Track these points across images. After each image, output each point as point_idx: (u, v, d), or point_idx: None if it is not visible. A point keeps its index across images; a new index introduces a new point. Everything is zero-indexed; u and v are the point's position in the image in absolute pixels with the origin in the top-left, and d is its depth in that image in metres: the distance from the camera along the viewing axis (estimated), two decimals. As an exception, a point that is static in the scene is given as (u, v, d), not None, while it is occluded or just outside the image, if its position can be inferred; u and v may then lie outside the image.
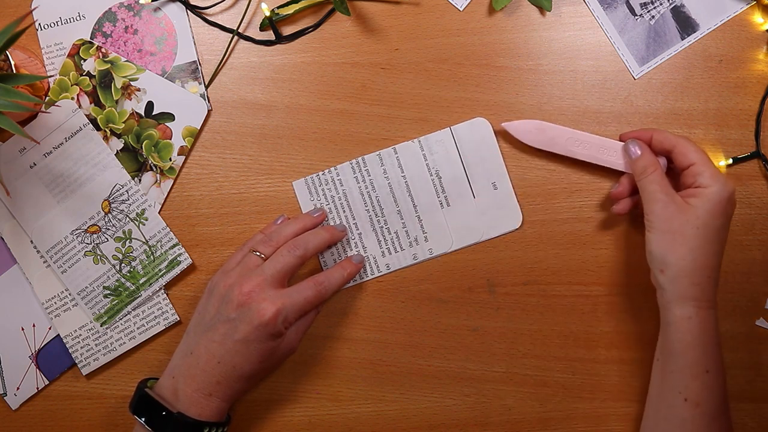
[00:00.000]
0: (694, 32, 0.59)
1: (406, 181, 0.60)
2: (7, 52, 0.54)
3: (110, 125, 0.60)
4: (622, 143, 0.58)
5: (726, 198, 0.52)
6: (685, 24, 0.59)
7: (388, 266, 0.61)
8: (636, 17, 0.59)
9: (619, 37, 0.59)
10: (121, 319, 0.60)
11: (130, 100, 0.60)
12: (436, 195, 0.60)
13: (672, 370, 0.52)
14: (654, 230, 0.53)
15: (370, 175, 0.60)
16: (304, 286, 0.55)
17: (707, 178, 0.52)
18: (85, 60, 0.60)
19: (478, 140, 0.60)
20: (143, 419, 0.52)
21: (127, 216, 0.60)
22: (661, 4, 0.58)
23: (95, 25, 0.61)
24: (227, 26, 0.61)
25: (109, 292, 0.60)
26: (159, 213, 0.61)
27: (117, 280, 0.60)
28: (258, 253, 0.56)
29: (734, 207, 0.53)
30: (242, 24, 0.61)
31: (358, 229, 0.61)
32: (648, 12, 0.58)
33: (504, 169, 0.60)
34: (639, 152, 0.56)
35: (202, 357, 0.53)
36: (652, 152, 0.56)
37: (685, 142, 0.54)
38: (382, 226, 0.60)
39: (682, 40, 0.59)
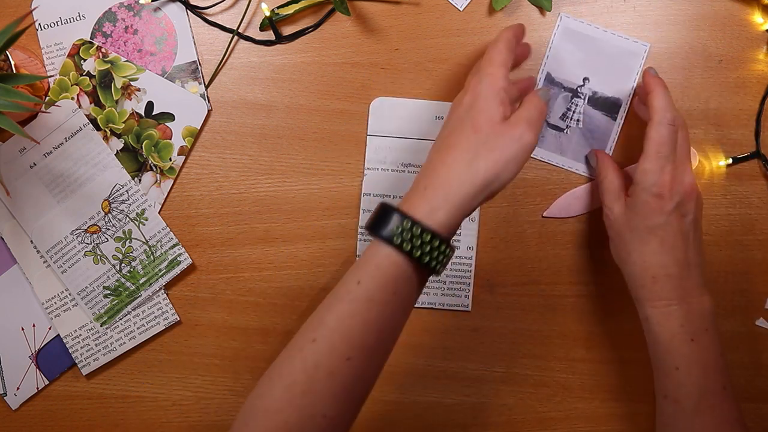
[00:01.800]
0: (620, 108, 0.59)
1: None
2: (7, 52, 0.54)
3: (110, 125, 0.60)
4: None
5: (653, 195, 0.49)
6: (608, 106, 0.59)
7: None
8: (564, 131, 0.59)
9: (564, 158, 0.59)
10: (121, 319, 0.60)
11: (130, 100, 0.60)
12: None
13: (653, 367, 0.52)
14: (609, 234, 0.54)
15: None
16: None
17: (638, 174, 0.50)
18: (85, 60, 0.60)
19: None
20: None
21: (127, 216, 0.60)
22: (576, 105, 0.58)
23: (95, 25, 0.60)
24: (227, 26, 0.61)
25: (109, 292, 0.60)
26: (159, 213, 0.61)
27: (117, 280, 0.60)
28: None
29: (672, 200, 0.50)
30: (242, 24, 0.61)
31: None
32: (570, 119, 0.58)
33: None
34: (595, 162, 0.57)
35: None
36: (609, 159, 0.56)
37: (652, 131, 0.50)
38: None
39: (615, 120, 0.59)
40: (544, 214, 0.60)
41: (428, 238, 0.44)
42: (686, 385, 0.49)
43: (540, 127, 0.48)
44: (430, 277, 0.47)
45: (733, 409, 0.50)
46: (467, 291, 0.61)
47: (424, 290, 0.61)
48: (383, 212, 0.45)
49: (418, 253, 0.44)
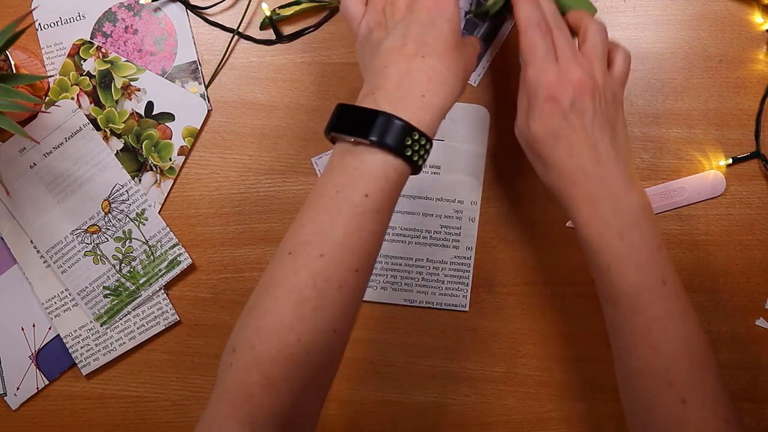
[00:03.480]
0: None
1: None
2: (7, 52, 0.54)
3: (110, 125, 0.60)
4: (685, 179, 0.59)
5: (544, 101, 0.48)
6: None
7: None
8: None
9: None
10: (121, 319, 0.60)
11: (130, 100, 0.60)
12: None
13: (591, 273, 0.50)
14: (527, 155, 0.53)
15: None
16: None
17: (523, 83, 0.50)
18: (85, 60, 0.60)
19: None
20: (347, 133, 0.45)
21: (127, 216, 0.60)
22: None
23: (95, 25, 0.60)
24: (227, 26, 0.61)
25: (109, 292, 0.60)
26: (159, 213, 0.61)
27: (117, 280, 0.60)
28: None
29: (567, 100, 0.47)
30: (242, 24, 0.61)
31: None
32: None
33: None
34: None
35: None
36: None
37: (519, 25, 0.50)
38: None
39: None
40: (568, 225, 0.60)
41: (429, 145, 0.45)
42: (620, 284, 0.47)
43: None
44: (430, 277, 0.47)
45: (677, 303, 0.47)
46: (465, 291, 0.61)
47: (423, 289, 0.61)
48: (385, 120, 0.44)
49: (421, 161, 0.45)
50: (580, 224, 0.48)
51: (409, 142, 0.44)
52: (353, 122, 0.45)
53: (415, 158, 0.44)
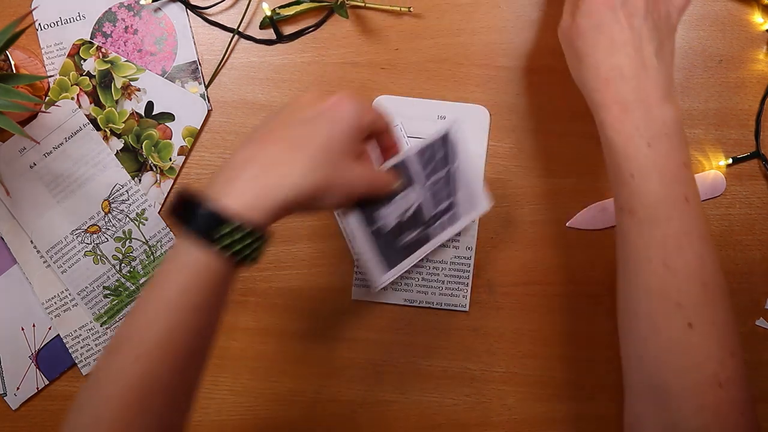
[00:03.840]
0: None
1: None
2: (7, 52, 0.54)
3: (110, 125, 0.60)
4: None
5: None
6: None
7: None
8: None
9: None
10: (121, 319, 0.60)
11: (130, 100, 0.60)
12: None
13: (610, 180, 0.48)
14: (564, 51, 0.51)
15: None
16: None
17: None
18: (85, 60, 0.60)
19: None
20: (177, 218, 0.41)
21: (127, 216, 0.60)
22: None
23: (95, 25, 0.60)
24: (227, 26, 0.61)
25: (109, 292, 0.60)
26: (159, 213, 0.61)
27: (117, 280, 0.60)
28: None
29: None
30: (242, 24, 0.61)
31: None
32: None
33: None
34: None
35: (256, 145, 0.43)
36: None
37: None
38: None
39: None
40: (568, 224, 0.60)
41: (255, 241, 0.40)
42: (642, 193, 0.45)
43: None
44: (430, 277, 0.46)
45: (697, 224, 0.45)
46: (465, 291, 0.61)
47: (423, 289, 0.61)
48: (192, 205, 0.40)
49: (247, 259, 0.41)
50: (607, 125, 0.46)
51: (226, 232, 0.39)
52: (177, 205, 0.41)
53: (234, 253, 0.39)
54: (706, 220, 0.46)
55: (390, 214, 0.52)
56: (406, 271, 0.61)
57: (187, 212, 0.40)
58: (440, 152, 0.53)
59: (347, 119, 0.43)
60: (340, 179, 0.43)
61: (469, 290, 0.61)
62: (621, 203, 0.46)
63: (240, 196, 0.40)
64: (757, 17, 0.59)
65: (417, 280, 0.61)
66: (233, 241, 0.39)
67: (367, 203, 0.48)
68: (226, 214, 0.39)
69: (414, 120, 0.60)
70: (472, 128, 0.60)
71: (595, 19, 0.46)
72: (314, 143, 0.42)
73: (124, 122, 0.60)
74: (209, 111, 0.61)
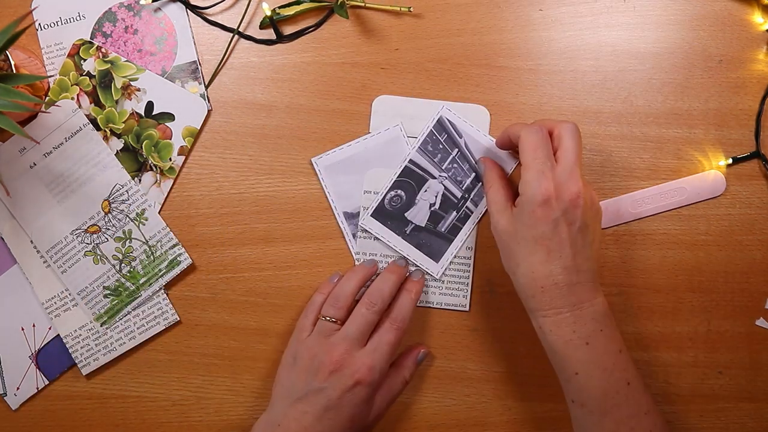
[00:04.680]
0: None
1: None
2: (7, 52, 0.54)
3: (110, 125, 0.60)
4: (685, 179, 0.59)
5: (538, 204, 0.49)
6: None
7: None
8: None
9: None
10: (121, 319, 0.60)
11: (130, 100, 0.60)
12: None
13: (557, 373, 0.52)
14: (498, 246, 0.53)
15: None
16: (383, 332, 0.56)
17: (521, 185, 0.50)
18: (85, 60, 0.60)
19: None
20: None
21: (127, 216, 0.60)
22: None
23: (95, 25, 0.61)
24: (227, 26, 0.61)
25: (109, 292, 0.60)
26: (159, 213, 0.61)
27: (117, 280, 0.60)
28: (330, 318, 0.56)
29: (558, 208, 0.49)
30: (242, 24, 0.61)
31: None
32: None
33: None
34: (483, 168, 0.57)
35: (292, 428, 0.53)
36: (495, 169, 0.56)
37: (522, 141, 0.51)
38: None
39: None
40: None
41: None
42: (588, 388, 0.50)
43: None
44: (429, 277, 0.48)
45: (642, 402, 0.50)
46: (466, 291, 0.61)
47: (424, 289, 0.61)
48: None
49: None
50: (545, 330, 0.50)
51: None
52: None
53: None
54: (649, 394, 0.51)
55: (418, 213, 0.59)
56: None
57: None
58: (443, 136, 0.58)
59: (364, 396, 0.53)
60: (378, 416, 0.56)
61: (469, 290, 0.61)
62: (571, 396, 0.51)
63: None
64: (757, 17, 0.59)
65: (417, 280, 0.61)
66: None
67: None
68: None
69: (414, 120, 0.60)
70: (472, 128, 0.60)
71: (535, 231, 0.49)
72: (324, 408, 0.53)
73: (124, 122, 0.60)
74: (209, 111, 0.61)
